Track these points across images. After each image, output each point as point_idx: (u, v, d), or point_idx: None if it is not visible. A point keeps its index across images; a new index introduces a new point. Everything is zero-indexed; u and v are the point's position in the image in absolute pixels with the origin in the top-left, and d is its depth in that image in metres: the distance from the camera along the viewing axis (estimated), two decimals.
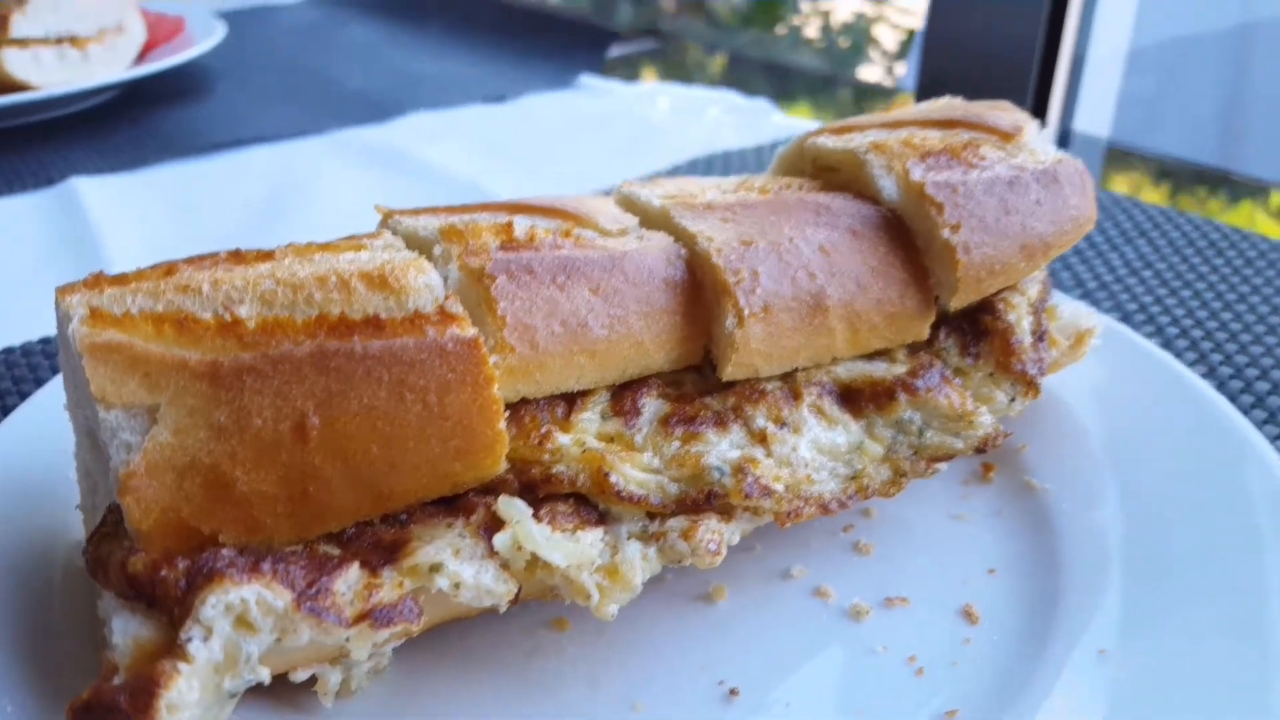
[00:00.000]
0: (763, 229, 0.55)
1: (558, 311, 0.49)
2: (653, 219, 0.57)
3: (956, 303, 0.57)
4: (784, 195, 0.58)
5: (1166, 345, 0.81)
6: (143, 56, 1.55)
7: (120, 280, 0.47)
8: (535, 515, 0.45)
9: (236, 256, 0.50)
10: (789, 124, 1.37)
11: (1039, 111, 1.39)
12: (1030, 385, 0.57)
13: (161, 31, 1.65)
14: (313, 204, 1.11)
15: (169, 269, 0.48)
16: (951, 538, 0.57)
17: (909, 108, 0.69)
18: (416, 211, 0.56)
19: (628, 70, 1.73)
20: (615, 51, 1.73)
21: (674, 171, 1.17)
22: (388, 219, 0.56)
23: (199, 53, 1.51)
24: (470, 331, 0.45)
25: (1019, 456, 0.62)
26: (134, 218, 1.10)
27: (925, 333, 0.58)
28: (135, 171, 1.22)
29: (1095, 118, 1.45)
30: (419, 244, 0.52)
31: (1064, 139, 1.37)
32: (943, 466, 0.55)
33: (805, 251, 0.54)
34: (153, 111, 1.42)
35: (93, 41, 1.43)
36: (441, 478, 0.44)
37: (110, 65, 1.44)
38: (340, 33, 1.88)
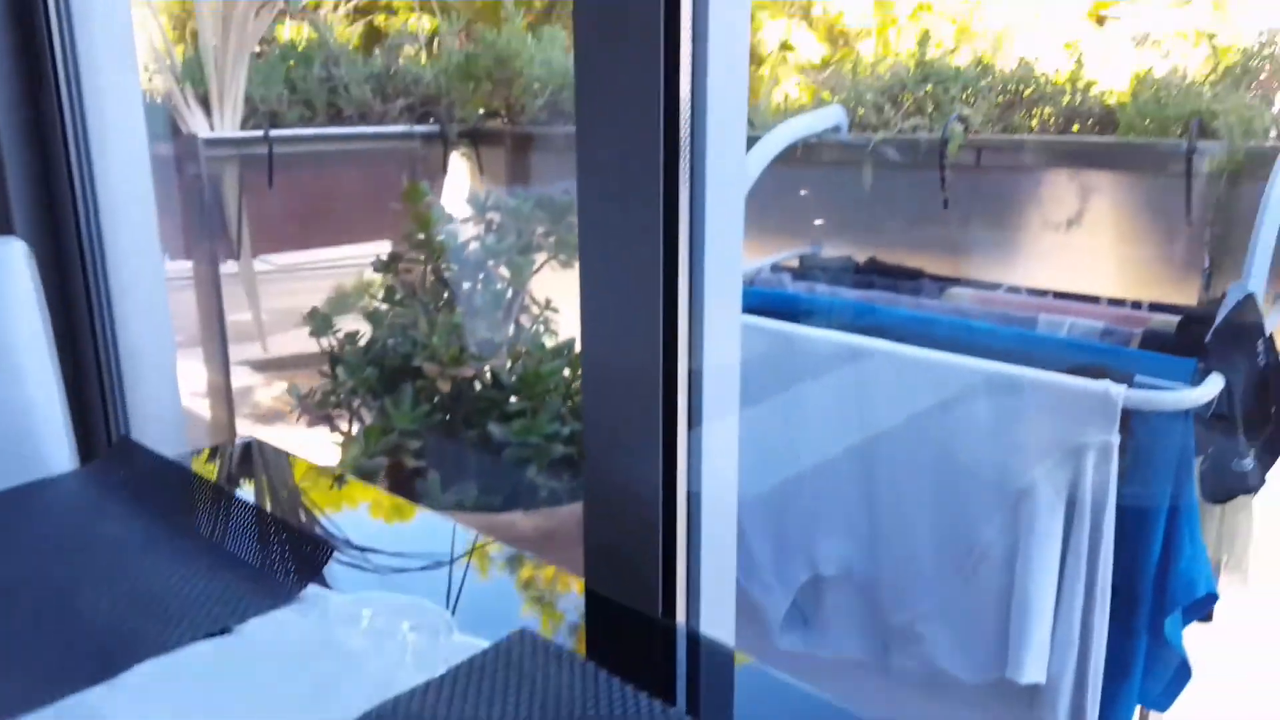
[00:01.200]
0: None
1: None
2: None
3: None
4: None
5: None
6: None
7: None
8: None
9: None
10: (466, 644, 1.62)
11: (669, 607, 1.59)
12: None
13: None
14: None
15: None
16: None
17: None
18: None
19: None
20: None
21: None
22: None
23: None
24: None
25: None
26: None
27: None
28: None
29: (721, 614, 1.57)
30: None
31: (693, 649, 1.37)
32: None
33: None
34: None
35: None
36: None
37: None
38: (94, 532, 2.04)
